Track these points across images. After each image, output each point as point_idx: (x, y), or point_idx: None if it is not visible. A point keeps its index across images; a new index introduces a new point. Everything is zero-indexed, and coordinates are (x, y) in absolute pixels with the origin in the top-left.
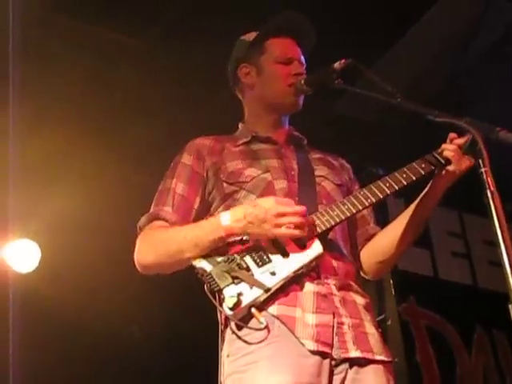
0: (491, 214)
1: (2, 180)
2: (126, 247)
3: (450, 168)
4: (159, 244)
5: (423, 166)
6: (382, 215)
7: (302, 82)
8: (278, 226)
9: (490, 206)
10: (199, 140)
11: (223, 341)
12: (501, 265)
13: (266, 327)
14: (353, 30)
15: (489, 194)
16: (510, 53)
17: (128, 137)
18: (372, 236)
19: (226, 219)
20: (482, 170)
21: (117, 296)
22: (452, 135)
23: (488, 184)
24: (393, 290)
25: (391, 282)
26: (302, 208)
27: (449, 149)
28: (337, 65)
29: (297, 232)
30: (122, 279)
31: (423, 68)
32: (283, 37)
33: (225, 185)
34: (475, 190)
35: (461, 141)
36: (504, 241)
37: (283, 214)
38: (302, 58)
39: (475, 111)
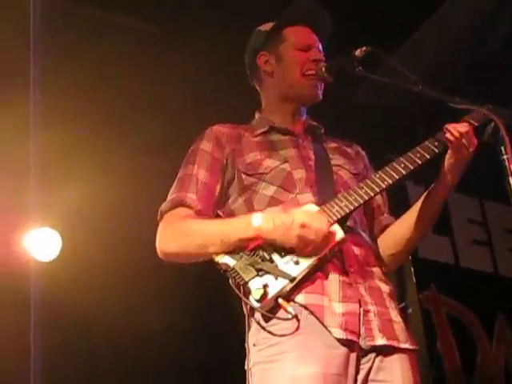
0: None
1: (23, 169)
2: (148, 236)
3: (463, 151)
4: (184, 235)
5: (436, 144)
6: (403, 203)
7: (323, 69)
8: (301, 238)
9: (511, 193)
10: (217, 127)
11: (249, 330)
12: None
13: (295, 317)
14: (371, 20)
15: (511, 181)
16: None
17: (147, 126)
18: (386, 227)
19: (258, 220)
20: (504, 156)
21: (138, 287)
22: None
23: (510, 171)
24: (414, 278)
25: (412, 269)
26: (324, 230)
27: (450, 131)
28: (358, 52)
29: (317, 252)
30: (144, 268)
31: (441, 58)
32: (300, 25)
33: (243, 176)
34: (496, 177)
35: (462, 128)
36: None
37: (306, 227)
38: (320, 46)
39: (494, 101)
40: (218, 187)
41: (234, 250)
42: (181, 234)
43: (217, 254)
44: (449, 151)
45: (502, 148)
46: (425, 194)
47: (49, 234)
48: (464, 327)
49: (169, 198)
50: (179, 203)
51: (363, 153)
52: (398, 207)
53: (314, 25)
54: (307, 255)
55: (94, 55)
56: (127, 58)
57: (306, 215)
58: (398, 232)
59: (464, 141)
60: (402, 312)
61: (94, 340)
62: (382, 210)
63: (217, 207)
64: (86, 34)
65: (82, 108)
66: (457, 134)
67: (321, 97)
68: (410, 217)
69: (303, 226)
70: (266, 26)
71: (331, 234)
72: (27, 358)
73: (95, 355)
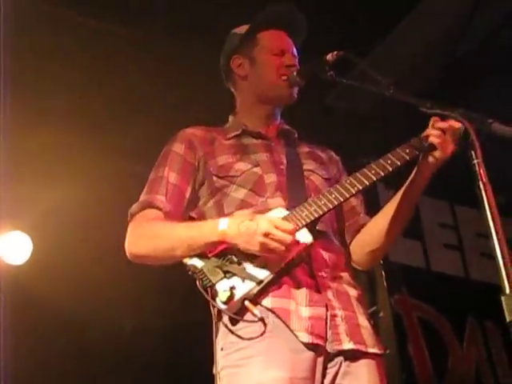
0: (483, 205)
1: None
2: (120, 241)
3: (436, 154)
4: (152, 237)
5: (407, 151)
6: (374, 207)
7: (295, 73)
8: (264, 245)
9: (482, 197)
10: (190, 130)
11: (217, 334)
12: (493, 256)
13: (261, 320)
14: (350, 17)
15: (481, 186)
16: (506, 41)
17: (123, 130)
18: (362, 226)
19: (224, 225)
20: (475, 161)
21: (109, 289)
22: (434, 119)
23: (480, 175)
24: (385, 282)
25: (383, 273)
26: (289, 237)
27: (433, 134)
28: (329, 56)
29: (278, 257)
30: (115, 272)
31: (419, 55)
32: (275, 29)
33: (214, 178)
34: (467, 181)
35: (443, 124)
36: (496, 232)
37: (270, 235)
38: (295, 50)
39: (471, 99)
40: (189, 189)
41: (202, 253)
42: (148, 236)
43: (183, 257)
44: (425, 154)
45: (473, 152)
46: (402, 189)
47: (19, 238)
48: (435, 331)
49: (139, 199)
50: (148, 205)
51: (337, 158)
52: (367, 211)
53: (288, 28)
54: (274, 260)
55: (71, 59)
56: (106, 62)
57: (270, 223)
58: (375, 227)
59: (448, 136)
60: (372, 316)
61: (64, 343)
62: (358, 210)
63: (188, 209)
64: (63, 37)
65: (54, 110)
66: (439, 133)
67: (295, 97)
68: (388, 211)
69: (266, 234)
70: (241, 29)
71: (296, 242)
72: None
73: (65, 358)
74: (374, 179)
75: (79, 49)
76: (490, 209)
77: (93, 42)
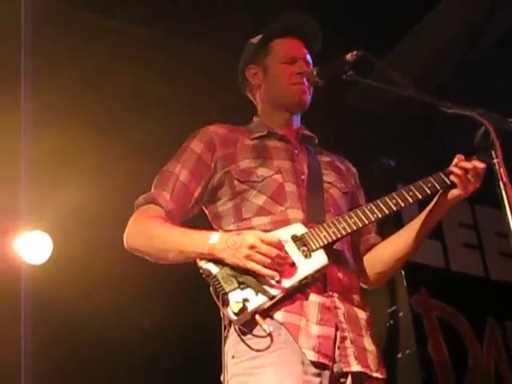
0: (504, 205)
1: (14, 172)
2: None
3: (456, 192)
4: (147, 236)
5: (429, 185)
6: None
7: (314, 73)
8: (249, 258)
9: (502, 197)
10: (213, 128)
11: (226, 341)
12: None
13: (269, 335)
14: (366, 20)
15: (501, 185)
16: None
17: (139, 130)
18: (373, 246)
19: (214, 239)
20: (495, 161)
21: (129, 289)
22: (459, 157)
23: (500, 175)
24: (404, 282)
25: (403, 273)
26: (281, 254)
27: (455, 173)
28: (349, 56)
29: (264, 271)
30: (134, 271)
31: (435, 57)
32: (288, 37)
33: (236, 182)
34: (488, 181)
35: (467, 164)
36: None
37: (255, 248)
38: (309, 57)
39: (486, 101)
40: (199, 189)
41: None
42: (144, 233)
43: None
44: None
45: (493, 152)
46: (418, 218)
47: (40, 237)
48: (455, 331)
49: (147, 193)
50: (152, 201)
51: (354, 170)
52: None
53: (301, 35)
54: (290, 274)
55: (85, 60)
56: (118, 62)
57: (256, 237)
58: (384, 252)
59: (470, 176)
60: (393, 315)
61: (85, 342)
62: (370, 229)
63: (195, 208)
64: (78, 37)
65: (74, 111)
66: (461, 172)
67: (307, 104)
68: (401, 237)
69: (251, 247)
70: (256, 39)
71: (285, 257)
72: (18, 361)
73: (87, 357)
74: (394, 209)
75: (95, 49)
76: (511, 208)
77: (110, 42)
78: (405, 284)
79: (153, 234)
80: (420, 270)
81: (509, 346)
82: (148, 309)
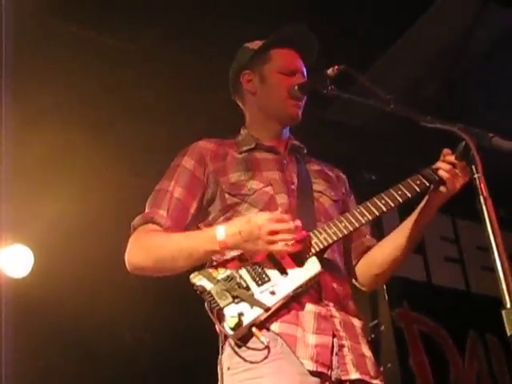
0: (484, 219)
1: None
2: (121, 252)
3: (445, 187)
4: (151, 249)
5: (418, 182)
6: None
7: (296, 87)
8: (272, 242)
9: (482, 211)
10: (202, 143)
11: (222, 352)
12: (493, 270)
13: (267, 347)
14: (351, 33)
15: (482, 200)
16: (505, 57)
17: (123, 140)
18: (368, 248)
19: (221, 234)
20: (475, 175)
21: (112, 302)
22: (446, 151)
23: (481, 190)
24: (386, 296)
25: (384, 287)
26: (295, 224)
27: (443, 168)
28: (330, 71)
29: (290, 249)
30: (116, 284)
31: (420, 71)
32: (288, 48)
33: (226, 195)
34: (468, 195)
35: (454, 158)
36: (497, 246)
37: (276, 232)
38: (304, 70)
39: (471, 115)
40: (195, 205)
41: (213, 270)
42: (149, 246)
43: (186, 267)
44: (435, 186)
45: (473, 167)
46: (410, 218)
47: (21, 251)
48: (436, 344)
49: (142, 213)
50: (149, 220)
51: (344, 177)
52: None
53: (301, 49)
54: (284, 284)
55: (70, 70)
56: (106, 72)
57: (268, 221)
58: (381, 253)
59: (458, 171)
60: (373, 330)
61: (66, 356)
62: (364, 232)
63: (192, 224)
64: (62, 48)
65: (55, 124)
66: (449, 167)
67: (300, 118)
68: (394, 239)
69: (270, 232)
70: (254, 45)
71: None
72: None
73: (67, 371)
74: (384, 210)
75: (81, 59)
76: (491, 222)
77: (96, 51)
78: (386, 297)
79: (155, 245)
80: (401, 283)
81: (490, 359)
82: (132, 321)
